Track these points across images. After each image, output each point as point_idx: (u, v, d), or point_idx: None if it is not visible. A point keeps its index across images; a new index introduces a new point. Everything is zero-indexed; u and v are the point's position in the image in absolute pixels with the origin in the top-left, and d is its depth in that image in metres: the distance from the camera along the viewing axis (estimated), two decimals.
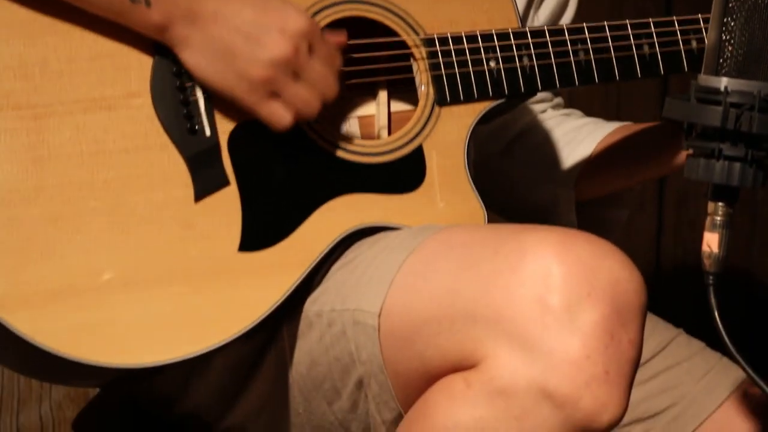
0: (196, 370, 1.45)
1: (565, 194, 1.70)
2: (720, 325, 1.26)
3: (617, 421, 1.26)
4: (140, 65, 1.39)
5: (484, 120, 1.50)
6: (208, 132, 1.41)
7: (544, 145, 1.73)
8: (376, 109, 1.51)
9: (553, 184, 1.70)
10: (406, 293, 1.34)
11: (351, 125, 1.50)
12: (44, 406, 2.09)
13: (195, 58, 1.37)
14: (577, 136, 1.71)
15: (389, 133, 1.50)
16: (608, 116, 1.82)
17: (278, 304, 1.40)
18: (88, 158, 1.37)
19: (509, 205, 1.74)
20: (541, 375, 1.24)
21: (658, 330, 1.64)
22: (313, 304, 1.42)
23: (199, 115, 1.40)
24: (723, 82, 1.29)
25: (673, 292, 2.52)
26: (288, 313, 1.42)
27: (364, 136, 1.50)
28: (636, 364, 1.28)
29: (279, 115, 1.38)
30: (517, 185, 1.73)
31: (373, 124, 1.51)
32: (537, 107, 1.75)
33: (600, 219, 1.74)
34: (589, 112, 1.82)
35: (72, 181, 1.37)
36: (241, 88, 1.37)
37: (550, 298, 1.25)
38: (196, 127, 1.40)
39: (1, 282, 1.32)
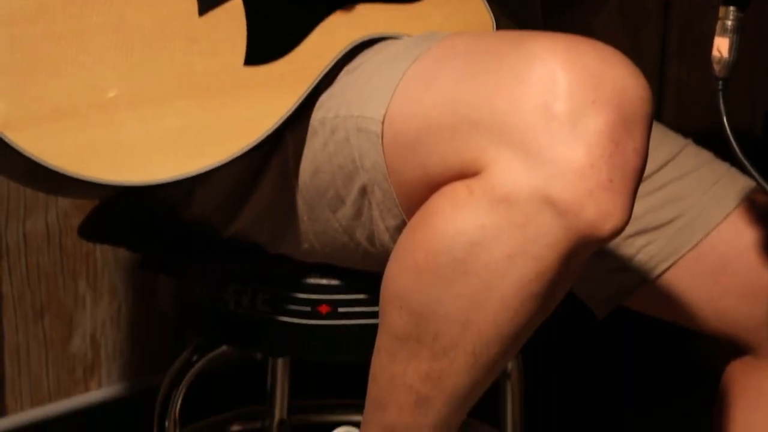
0: (200, 180, 1.44)
1: None
2: (728, 129, 1.24)
3: (620, 230, 1.25)
4: None
5: None
6: None
7: None
8: None
9: None
10: (409, 101, 1.32)
11: None
12: (50, 214, 2.09)
13: None
14: None
15: None
16: None
17: (285, 117, 1.39)
18: None
19: None
20: (544, 183, 1.22)
21: (667, 140, 1.62)
22: (317, 111, 1.41)
23: None
24: None
25: (677, 110, 2.50)
26: (292, 121, 1.41)
27: None
28: (641, 173, 1.25)
29: None
30: None
31: None
32: None
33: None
34: None
35: None
36: None
37: (554, 105, 1.23)
38: None
39: (5, 101, 1.30)
